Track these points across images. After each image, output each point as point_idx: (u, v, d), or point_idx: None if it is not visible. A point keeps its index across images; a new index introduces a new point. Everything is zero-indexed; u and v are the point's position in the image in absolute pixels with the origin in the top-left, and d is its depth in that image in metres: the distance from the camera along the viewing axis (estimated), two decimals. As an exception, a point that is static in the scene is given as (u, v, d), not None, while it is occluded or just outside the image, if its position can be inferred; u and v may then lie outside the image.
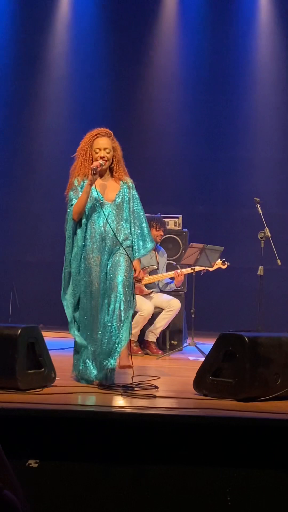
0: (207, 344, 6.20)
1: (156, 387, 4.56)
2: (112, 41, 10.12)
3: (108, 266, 4.73)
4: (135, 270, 4.79)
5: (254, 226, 7.45)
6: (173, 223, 7.89)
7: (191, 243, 7.22)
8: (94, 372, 4.65)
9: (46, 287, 9.62)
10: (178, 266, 7.49)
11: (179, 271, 7.11)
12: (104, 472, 3.53)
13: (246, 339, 4.13)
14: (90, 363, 4.66)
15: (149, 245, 4.89)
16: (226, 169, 10.05)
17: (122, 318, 4.61)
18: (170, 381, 5.18)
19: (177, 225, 7.90)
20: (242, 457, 3.55)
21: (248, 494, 3.51)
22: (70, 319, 4.80)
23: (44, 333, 4.62)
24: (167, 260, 7.52)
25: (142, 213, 4.91)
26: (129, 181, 4.92)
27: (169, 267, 7.44)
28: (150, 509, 3.52)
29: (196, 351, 6.63)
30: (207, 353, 4.52)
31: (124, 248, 4.72)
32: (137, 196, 4.92)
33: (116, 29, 10.15)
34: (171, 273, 7.18)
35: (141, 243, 4.86)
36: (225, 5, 10.09)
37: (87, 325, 4.72)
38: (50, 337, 6.58)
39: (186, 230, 7.90)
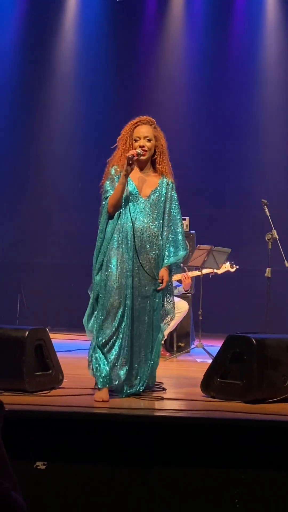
0: (215, 346, 6.21)
1: (164, 389, 4.55)
2: (118, 46, 10.13)
3: (134, 281, 4.31)
4: (162, 281, 4.37)
5: (262, 227, 7.44)
6: (181, 225, 7.88)
7: (198, 245, 7.21)
8: (107, 372, 4.21)
9: (54, 289, 9.65)
10: (185, 268, 7.48)
11: (186, 274, 7.10)
12: (112, 474, 3.53)
13: (254, 341, 4.13)
14: (104, 364, 4.23)
15: (181, 252, 4.43)
16: (233, 170, 10.04)
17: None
18: (177, 383, 5.17)
19: (184, 227, 7.88)
20: (250, 459, 3.54)
21: (256, 496, 3.50)
22: (86, 316, 4.38)
23: (51, 335, 4.63)
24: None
25: (179, 217, 4.50)
26: (170, 180, 4.52)
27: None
28: (157, 511, 3.51)
29: (203, 353, 6.62)
30: (214, 355, 4.51)
31: (155, 278, 4.35)
32: (176, 198, 4.53)
33: (122, 34, 10.17)
34: (178, 276, 7.16)
35: (172, 250, 4.41)
36: (231, 6, 10.08)
37: (103, 322, 4.26)
38: (58, 339, 6.58)
39: (194, 232, 7.90)
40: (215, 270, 7.09)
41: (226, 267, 7.15)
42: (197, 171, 9.96)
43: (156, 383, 4.61)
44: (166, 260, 4.41)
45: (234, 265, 7.18)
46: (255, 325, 7.23)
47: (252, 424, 3.62)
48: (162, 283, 4.38)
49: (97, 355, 4.25)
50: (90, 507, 3.52)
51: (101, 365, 4.22)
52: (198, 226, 8.33)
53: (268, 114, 10.00)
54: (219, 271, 7.13)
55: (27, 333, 4.25)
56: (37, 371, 4.32)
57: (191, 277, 7.17)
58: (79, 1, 10.18)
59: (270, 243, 6.95)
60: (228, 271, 7.20)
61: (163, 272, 4.40)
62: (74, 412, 3.74)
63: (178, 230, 4.46)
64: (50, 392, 4.29)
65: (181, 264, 7.28)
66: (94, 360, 4.25)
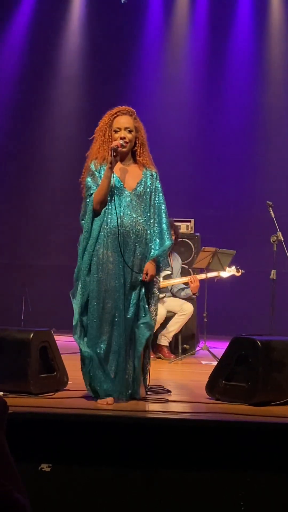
0: (220, 348, 6.19)
1: (168, 391, 4.54)
2: (122, 48, 10.14)
3: (126, 278, 4.14)
4: (147, 273, 4.19)
5: (267, 229, 7.43)
6: (185, 227, 7.89)
7: (203, 247, 7.20)
8: (108, 383, 4.12)
9: (59, 291, 9.61)
10: (191, 270, 7.47)
11: (193, 276, 7.07)
12: (116, 476, 3.53)
13: (259, 343, 4.12)
14: (101, 373, 4.12)
15: (167, 243, 4.24)
16: (238, 172, 10.04)
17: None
18: (182, 385, 5.16)
19: (189, 229, 7.90)
20: (255, 461, 3.53)
21: (261, 498, 3.49)
22: (75, 322, 4.18)
23: (56, 337, 4.63)
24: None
25: (163, 207, 4.29)
26: (154, 170, 4.31)
27: (182, 272, 7.42)
28: (162, 514, 3.51)
29: (208, 355, 6.61)
30: (219, 357, 4.50)
31: (136, 272, 4.15)
32: (160, 188, 4.30)
33: (126, 36, 10.17)
34: (185, 279, 7.14)
35: (158, 242, 4.23)
36: (235, 7, 10.08)
37: (95, 329, 4.12)
38: (63, 341, 6.58)
39: (198, 234, 7.89)
40: (221, 274, 7.07)
41: (232, 271, 7.11)
42: (202, 173, 9.96)
43: (160, 386, 4.61)
44: (152, 253, 4.22)
45: (240, 269, 7.13)
46: (260, 327, 7.21)
47: (257, 427, 3.62)
48: (147, 277, 4.17)
49: (95, 369, 4.09)
50: (95, 509, 3.51)
51: (102, 378, 4.09)
52: (203, 228, 8.33)
53: (274, 115, 10.00)
54: (225, 276, 7.10)
55: (32, 335, 4.25)
56: (42, 373, 4.32)
57: (199, 280, 7.14)
58: (84, 3, 10.19)
59: (275, 245, 6.94)
60: (234, 276, 7.17)
61: (147, 266, 4.20)
62: (79, 414, 3.73)
63: (162, 221, 4.26)
64: (55, 394, 4.28)
65: (186, 266, 7.15)
66: (91, 374, 4.11)
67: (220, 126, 10.10)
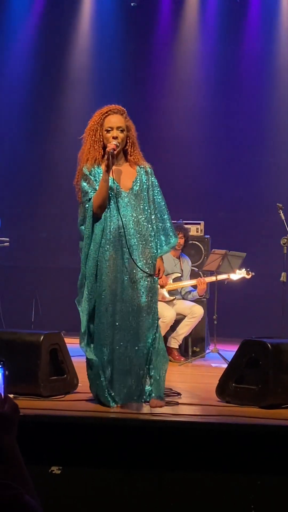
0: (230, 350, 6.18)
1: (179, 394, 4.54)
2: (132, 50, 10.15)
3: (128, 277, 4.06)
4: (159, 271, 4.12)
5: (277, 232, 7.41)
6: (195, 229, 7.88)
7: (213, 249, 7.19)
8: (113, 399, 4.03)
9: (68, 293, 9.60)
10: (200, 273, 7.46)
11: (202, 279, 7.07)
12: (126, 479, 3.52)
13: (269, 345, 4.11)
14: (106, 384, 4.03)
15: (173, 240, 4.18)
16: (248, 175, 10.02)
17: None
18: (192, 388, 5.15)
19: (199, 231, 7.89)
20: (266, 464, 3.52)
21: (272, 502, 3.48)
22: (83, 329, 4.08)
23: (66, 340, 4.63)
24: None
25: (163, 203, 4.21)
26: (147, 166, 4.22)
27: (192, 274, 7.42)
28: (173, 517, 3.50)
29: (218, 358, 6.60)
30: (229, 360, 4.50)
31: (148, 273, 4.05)
32: (157, 183, 4.22)
33: (136, 38, 10.18)
34: (193, 281, 7.14)
35: (163, 238, 4.15)
36: (245, 9, 10.07)
37: (103, 334, 4.04)
38: (73, 343, 6.58)
39: (208, 236, 7.88)
40: (231, 276, 7.05)
41: (242, 273, 7.09)
42: (212, 175, 9.94)
43: (170, 388, 4.60)
44: (159, 250, 4.15)
45: (250, 272, 7.11)
46: (271, 329, 7.20)
47: (267, 429, 3.61)
48: (159, 274, 4.11)
49: (102, 379, 4.02)
50: (105, 512, 3.52)
51: (108, 387, 4.03)
52: (213, 230, 8.31)
53: (283, 117, 9.97)
54: (235, 278, 7.08)
55: (42, 337, 4.26)
56: (52, 376, 4.32)
57: (207, 283, 7.12)
58: (94, 6, 10.20)
59: (285, 247, 6.92)
60: (244, 278, 7.15)
61: (159, 263, 4.14)
62: (89, 417, 3.74)
63: (165, 217, 4.19)
64: (65, 397, 4.29)
65: (196, 269, 7.11)
66: (97, 382, 4.04)
67: (230, 128, 10.08)
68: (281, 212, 7.09)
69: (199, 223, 7.97)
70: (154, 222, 4.15)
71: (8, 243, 8.31)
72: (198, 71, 10.30)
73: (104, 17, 10.17)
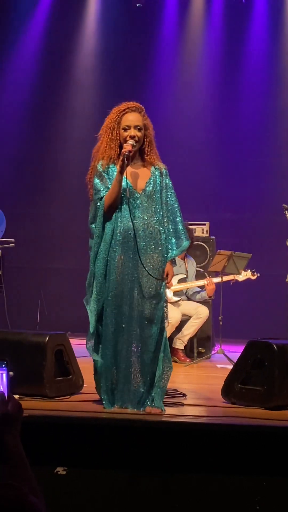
0: (235, 351, 6.17)
1: (184, 395, 4.53)
2: (137, 52, 10.15)
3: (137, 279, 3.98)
4: (167, 275, 4.03)
5: (282, 233, 7.40)
6: (201, 230, 7.88)
7: (218, 250, 7.19)
8: (113, 403, 4.00)
9: (74, 294, 9.62)
10: (206, 274, 7.45)
11: (209, 279, 7.06)
12: (132, 480, 3.52)
13: (275, 346, 4.10)
14: (108, 387, 4.01)
15: (184, 243, 4.07)
16: (253, 175, 10.01)
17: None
18: (198, 389, 5.15)
19: (205, 232, 7.89)
20: (272, 465, 3.51)
21: (277, 503, 3.47)
22: (92, 330, 4.05)
23: (71, 340, 4.63)
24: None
25: (176, 205, 4.10)
26: (163, 167, 4.12)
27: (197, 275, 7.41)
28: (178, 518, 3.49)
29: (224, 359, 6.59)
30: (235, 361, 4.49)
31: (156, 278, 3.97)
32: (171, 185, 4.12)
33: (141, 40, 10.18)
34: (201, 282, 7.13)
35: (174, 241, 4.06)
36: (251, 10, 10.06)
37: (110, 335, 4.00)
38: (78, 344, 6.58)
39: (214, 237, 7.88)
40: (236, 277, 7.05)
41: (248, 274, 7.09)
42: (217, 176, 9.94)
43: (175, 389, 4.59)
44: (170, 253, 4.06)
45: (256, 273, 7.11)
46: (276, 331, 7.17)
47: (273, 431, 3.60)
48: (167, 278, 4.03)
49: (104, 382, 4.00)
50: (111, 513, 3.51)
51: (109, 390, 4.00)
52: (219, 231, 8.31)
53: (289, 118, 9.96)
54: (240, 279, 7.09)
55: (47, 338, 4.26)
56: (58, 376, 4.32)
57: (215, 283, 7.12)
58: (99, 7, 10.21)
59: (291, 248, 6.91)
60: (249, 279, 7.14)
61: (168, 267, 4.04)
62: (95, 418, 3.73)
63: (177, 219, 4.08)
64: (71, 398, 4.28)
65: (201, 270, 7.12)
66: (102, 384, 4.01)
67: (235, 129, 10.07)
68: (286, 213, 7.07)
69: (205, 224, 7.96)
70: (165, 224, 4.06)
71: (13, 244, 8.31)
72: (204, 72, 10.29)
73: (109, 18, 10.18)
